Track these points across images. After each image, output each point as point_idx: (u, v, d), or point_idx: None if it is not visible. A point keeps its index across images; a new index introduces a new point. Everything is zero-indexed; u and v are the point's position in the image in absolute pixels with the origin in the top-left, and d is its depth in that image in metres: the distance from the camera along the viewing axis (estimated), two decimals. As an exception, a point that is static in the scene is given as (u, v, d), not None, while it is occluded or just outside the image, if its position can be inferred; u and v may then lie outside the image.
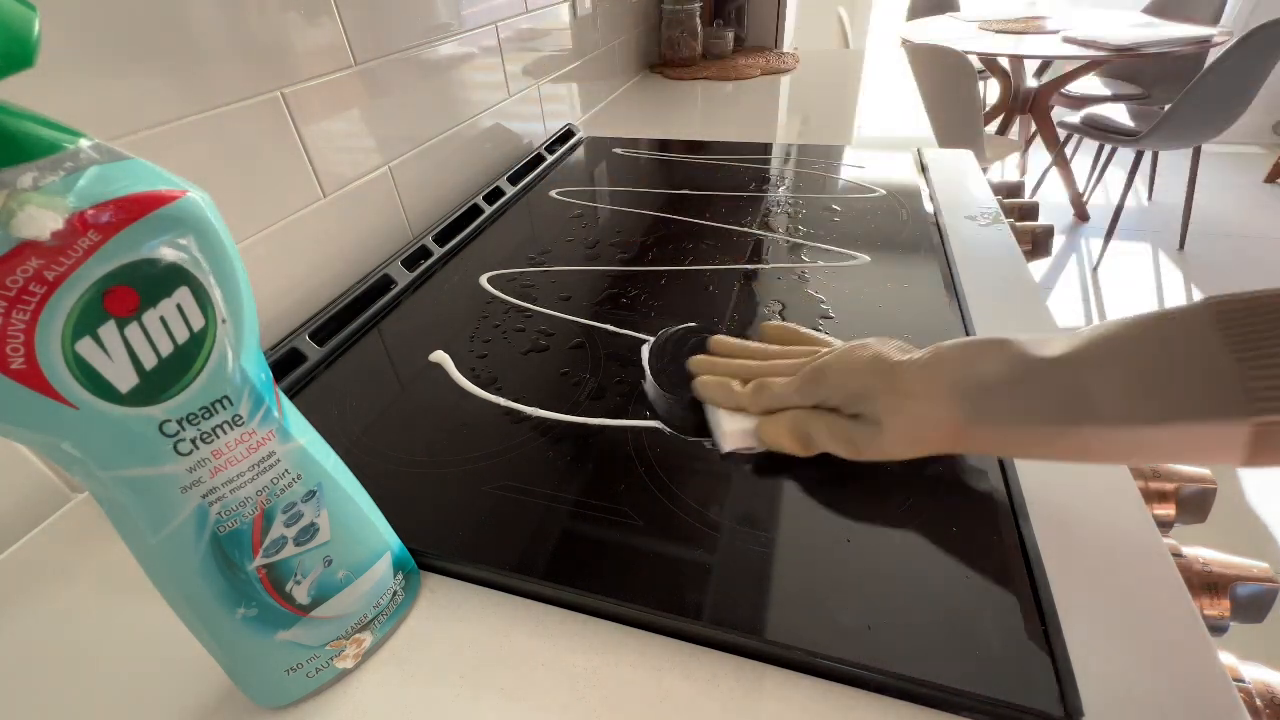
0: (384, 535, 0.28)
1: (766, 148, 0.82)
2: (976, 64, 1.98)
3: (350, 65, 0.53)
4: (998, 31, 2.11)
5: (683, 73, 1.25)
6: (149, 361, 0.18)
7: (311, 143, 0.50)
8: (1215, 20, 2.07)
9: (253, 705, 0.27)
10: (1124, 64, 2.31)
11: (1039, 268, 1.93)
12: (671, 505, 0.33)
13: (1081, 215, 2.36)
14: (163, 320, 0.18)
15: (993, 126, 2.30)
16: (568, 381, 0.42)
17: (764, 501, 0.33)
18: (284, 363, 0.44)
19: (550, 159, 0.81)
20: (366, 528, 0.26)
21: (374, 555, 0.27)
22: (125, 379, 0.18)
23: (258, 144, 0.46)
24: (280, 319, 0.49)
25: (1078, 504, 0.32)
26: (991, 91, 2.41)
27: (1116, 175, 2.50)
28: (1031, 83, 2.33)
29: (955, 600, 0.28)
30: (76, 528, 0.36)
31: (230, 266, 0.19)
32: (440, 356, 0.45)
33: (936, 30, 2.19)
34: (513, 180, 0.73)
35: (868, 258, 0.54)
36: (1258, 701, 0.26)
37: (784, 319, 0.47)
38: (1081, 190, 2.35)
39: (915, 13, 2.64)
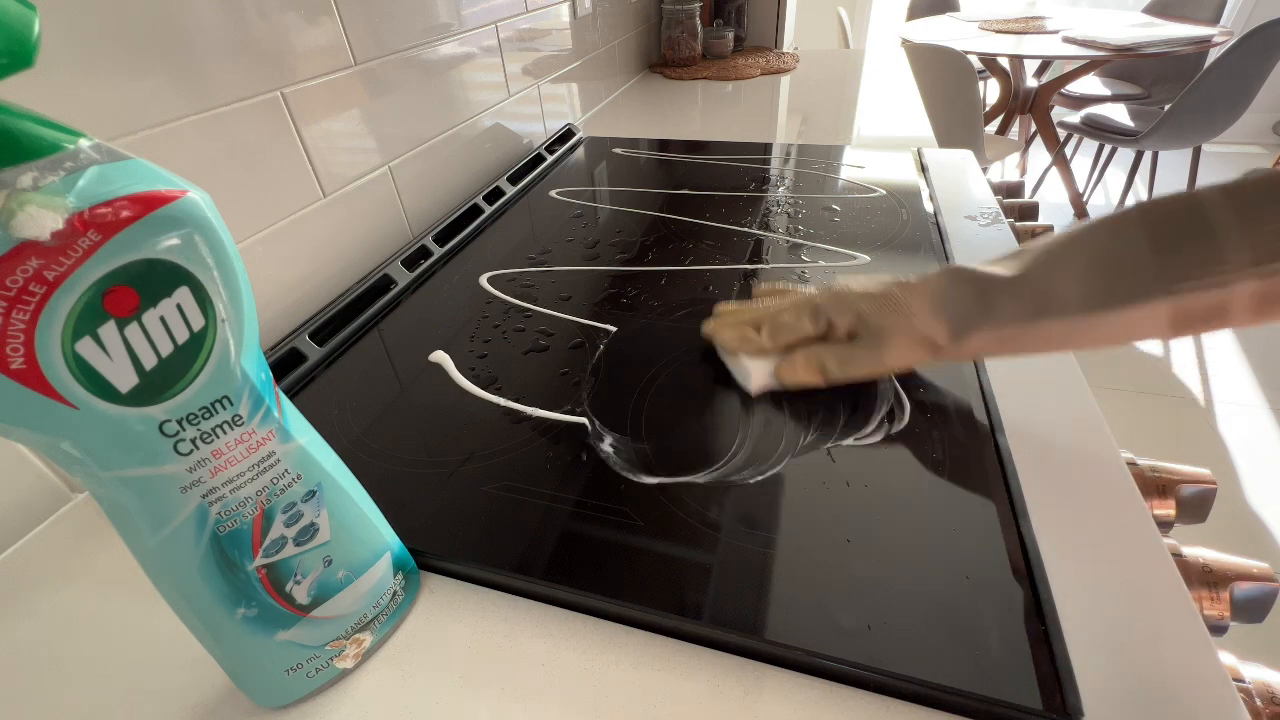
0: (384, 535, 0.28)
1: (766, 148, 0.82)
2: (976, 64, 1.98)
3: (350, 65, 0.53)
4: (998, 31, 2.11)
5: (683, 73, 1.25)
6: (149, 361, 0.18)
7: (311, 143, 0.50)
8: (1215, 20, 2.07)
9: (253, 705, 0.27)
10: (1124, 64, 2.31)
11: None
12: (671, 505, 0.33)
13: (1081, 215, 2.36)
14: (163, 320, 0.18)
15: (993, 126, 2.30)
16: (568, 381, 0.42)
17: (764, 501, 0.33)
18: (284, 363, 0.44)
19: (550, 159, 0.81)
20: (366, 528, 0.26)
21: (374, 555, 0.27)
22: (125, 379, 0.18)
23: (258, 144, 0.46)
24: (280, 319, 0.49)
25: (1078, 504, 0.32)
26: (991, 91, 2.41)
27: (1116, 175, 2.50)
28: (1031, 83, 2.33)
29: (955, 600, 0.28)
30: (76, 528, 0.36)
31: (230, 266, 0.19)
32: (440, 356, 0.45)
33: (936, 30, 2.19)
34: (513, 180, 0.73)
35: (868, 258, 0.54)
36: (1258, 701, 0.26)
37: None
38: (1081, 190, 2.35)
39: (915, 13, 2.64)
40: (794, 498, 0.33)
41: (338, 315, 0.49)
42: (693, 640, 0.28)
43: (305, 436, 0.23)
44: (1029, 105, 2.24)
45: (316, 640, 0.25)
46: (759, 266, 0.55)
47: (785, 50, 1.44)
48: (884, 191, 0.67)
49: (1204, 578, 0.31)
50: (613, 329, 0.47)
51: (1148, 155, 2.06)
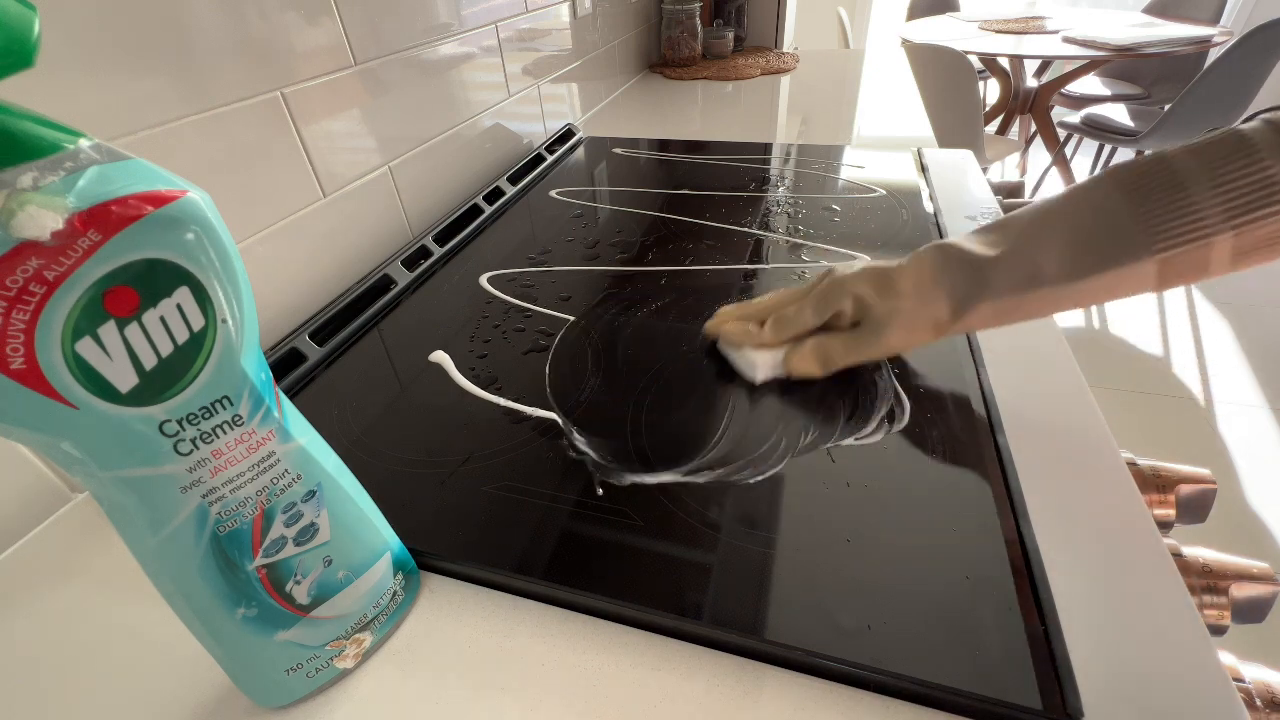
0: (384, 535, 0.28)
1: (766, 148, 0.82)
2: (976, 64, 1.98)
3: (350, 65, 0.53)
4: (998, 31, 2.11)
5: (683, 73, 1.25)
6: (149, 361, 0.18)
7: (311, 143, 0.50)
8: (1215, 20, 2.07)
9: (253, 705, 0.27)
10: (1124, 64, 2.31)
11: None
12: (671, 505, 0.33)
13: (1081, 215, 2.35)
14: (163, 320, 0.18)
15: (993, 126, 2.30)
16: (569, 383, 0.42)
17: (764, 501, 0.33)
18: (284, 363, 0.44)
19: (550, 159, 0.81)
20: (366, 528, 0.26)
21: (374, 555, 0.27)
22: (125, 379, 0.18)
23: (258, 144, 0.46)
24: (280, 319, 0.49)
25: (1078, 504, 0.32)
26: (991, 91, 2.41)
27: (1116, 175, 2.50)
28: (1031, 83, 2.33)
29: (955, 601, 0.28)
30: (76, 528, 0.36)
31: (230, 266, 0.19)
32: (440, 356, 0.45)
33: (936, 30, 2.19)
34: (513, 180, 0.73)
35: (868, 258, 0.54)
36: (1258, 701, 0.26)
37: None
38: (1081, 190, 2.35)
39: (915, 13, 2.64)
40: (794, 498, 0.33)
41: (338, 315, 0.49)
42: (692, 640, 0.28)
43: (305, 436, 0.23)
44: (1029, 105, 2.24)
45: (316, 640, 0.25)
46: (759, 266, 0.55)
47: (785, 50, 1.44)
48: (884, 191, 0.67)
49: (1204, 578, 0.31)
50: (612, 329, 0.47)
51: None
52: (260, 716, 0.27)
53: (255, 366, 0.21)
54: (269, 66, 0.45)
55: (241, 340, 0.20)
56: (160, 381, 0.18)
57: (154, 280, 0.17)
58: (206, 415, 0.20)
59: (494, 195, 0.70)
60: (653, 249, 0.59)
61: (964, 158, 0.73)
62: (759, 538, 0.31)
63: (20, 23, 0.15)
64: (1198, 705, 0.24)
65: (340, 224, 0.54)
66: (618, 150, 0.84)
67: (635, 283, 0.53)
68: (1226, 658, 0.27)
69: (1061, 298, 0.33)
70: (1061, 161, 2.28)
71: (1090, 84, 2.32)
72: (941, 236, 0.57)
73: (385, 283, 0.54)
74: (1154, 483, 0.36)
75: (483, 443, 0.38)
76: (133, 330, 0.17)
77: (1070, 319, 1.84)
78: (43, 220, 0.15)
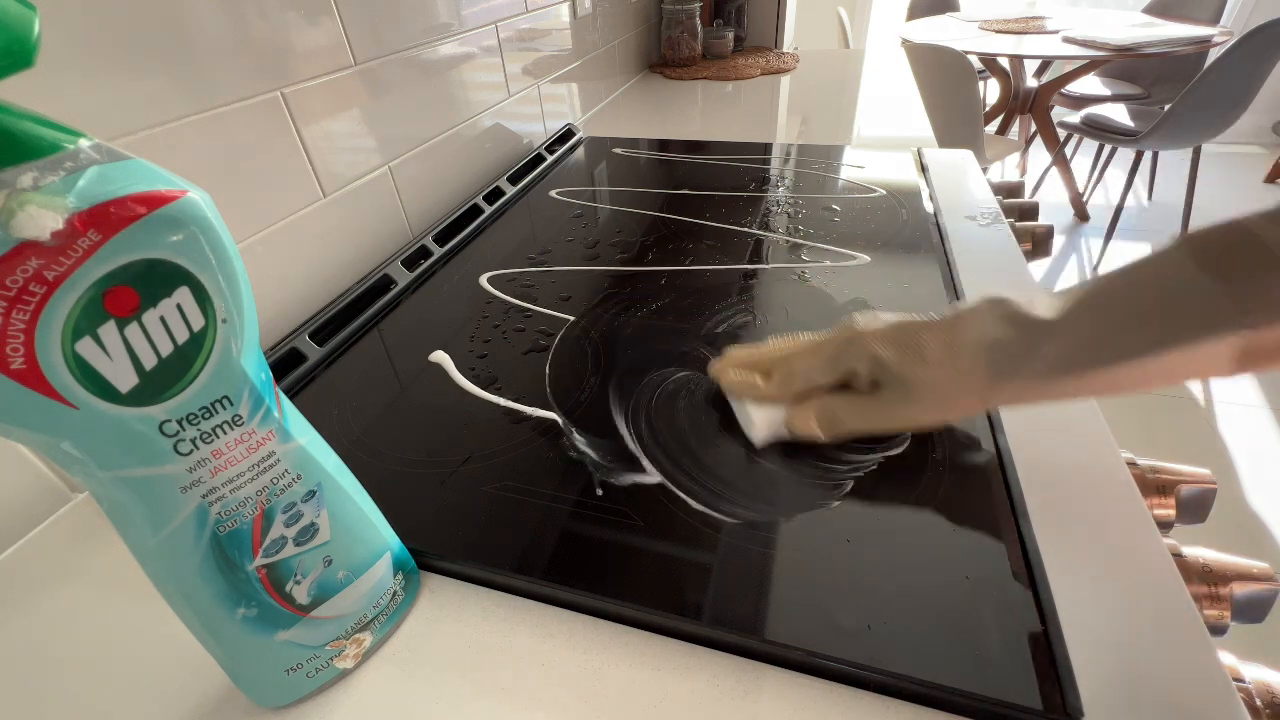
0: (384, 535, 0.28)
1: (766, 148, 0.82)
2: (976, 64, 1.98)
3: (350, 65, 0.53)
4: (998, 31, 2.11)
5: (683, 73, 1.25)
6: (149, 361, 0.18)
7: (311, 143, 0.50)
8: (1215, 20, 2.07)
9: (253, 705, 0.27)
10: (1124, 64, 2.31)
11: (1039, 268, 1.93)
12: (671, 505, 0.33)
13: (1081, 215, 2.36)
14: (163, 320, 0.18)
15: (993, 126, 2.30)
16: (569, 382, 0.42)
17: (764, 501, 0.33)
18: (284, 363, 0.44)
19: (550, 159, 0.81)
20: (366, 528, 0.26)
21: (374, 555, 0.27)
22: (125, 379, 0.18)
23: (258, 144, 0.46)
24: (280, 319, 0.49)
25: (1078, 504, 0.32)
26: (991, 91, 2.41)
27: (1116, 175, 2.50)
28: (1031, 83, 2.33)
29: (955, 601, 0.28)
30: (76, 528, 0.36)
31: (230, 266, 0.19)
32: (440, 356, 0.45)
33: (936, 30, 2.19)
34: (513, 180, 0.73)
35: (868, 258, 0.54)
36: (1258, 701, 0.26)
37: (787, 315, 0.47)
38: (1081, 190, 2.35)
39: (915, 13, 2.64)
40: (794, 498, 0.33)
41: (338, 315, 0.49)
42: (692, 640, 0.28)
43: (305, 436, 0.23)
44: (1029, 105, 2.24)
45: (316, 640, 0.25)
46: (759, 266, 0.55)
47: (785, 50, 1.44)
48: (884, 191, 0.67)
49: (1204, 578, 0.31)
50: (612, 329, 0.47)
51: (1148, 155, 2.07)
52: (260, 716, 0.27)
53: (255, 366, 0.21)
54: (269, 66, 0.45)
55: (241, 340, 0.20)
56: (160, 381, 0.18)
57: (154, 280, 0.17)
58: (206, 415, 0.20)
59: (494, 195, 0.70)
60: (653, 249, 0.59)
61: (964, 158, 0.73)
62: (759, 538, 0.31)
63: (20, 23, 0.15)
64: (1198, 705, 0.24)
65: (340, 224, 0.54)
66: (618, 150, 0.84)
67: (636, 283, 0.53)
68: (1226, 658, 0.27)
69: (1121, 376, 0.28)
70: (1061, 161, 2.28)
71: (1090, 84, 2.32)
72: (941, 236, 0.57)
73: (385, 283, 0.54)
74: (1154, 483, 0.36)
75: (483, 443, 0.38)
76: (133, 330, 0.17)
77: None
78: (43, 220, 0.15)
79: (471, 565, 0.31)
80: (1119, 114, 2.00)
